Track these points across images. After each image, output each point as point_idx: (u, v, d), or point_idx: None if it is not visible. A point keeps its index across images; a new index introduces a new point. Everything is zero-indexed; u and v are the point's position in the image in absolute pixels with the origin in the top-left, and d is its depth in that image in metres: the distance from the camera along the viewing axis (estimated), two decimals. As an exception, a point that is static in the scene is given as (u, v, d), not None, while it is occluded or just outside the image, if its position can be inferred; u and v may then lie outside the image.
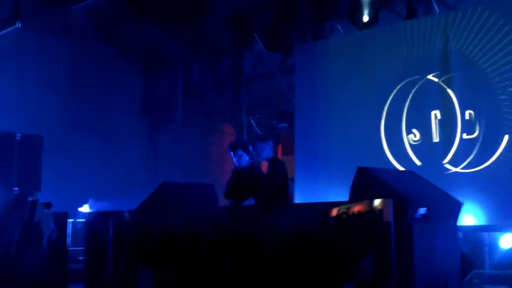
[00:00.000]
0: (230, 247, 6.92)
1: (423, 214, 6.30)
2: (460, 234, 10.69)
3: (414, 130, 11.89)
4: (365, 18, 12.98)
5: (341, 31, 13.93)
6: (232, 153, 8.47)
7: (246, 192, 8.25)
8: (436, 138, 11.61)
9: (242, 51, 16.69)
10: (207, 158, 18.07)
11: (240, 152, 8.44)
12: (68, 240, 9.68)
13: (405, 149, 11.92)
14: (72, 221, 12.83)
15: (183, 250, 7.33)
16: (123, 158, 17.73)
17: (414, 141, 11.86)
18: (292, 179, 12.91)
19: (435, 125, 11.64)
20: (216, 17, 15.86)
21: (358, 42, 13.10)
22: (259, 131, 16.38)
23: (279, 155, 18.05)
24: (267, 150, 8.25)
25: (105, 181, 16.61)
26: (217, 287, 6.92)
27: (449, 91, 11.50)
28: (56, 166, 14.89)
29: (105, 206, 12.90)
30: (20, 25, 14.33)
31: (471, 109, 11.22)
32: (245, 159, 8.45)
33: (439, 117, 11.62)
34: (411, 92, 12.01)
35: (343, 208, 6.07)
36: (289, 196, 8.19)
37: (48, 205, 9.26)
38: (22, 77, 16.02)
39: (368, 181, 6.60)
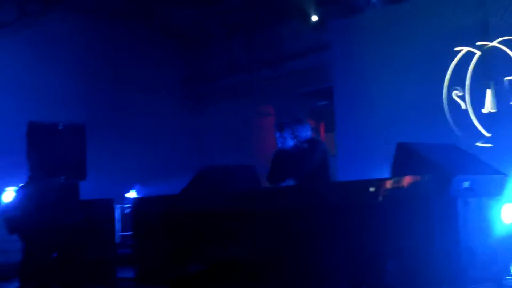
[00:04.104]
0: (275, 226, 6.98)
1: (467, 187, 6.25)
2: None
3: (455, 101, 11.77)
4: None
5: (377, 5, 13.79)
6: (278, 133, 8.35)
7: (292, 172, 8.13)
8: (479, 110, 11.47)
9: (280, 29, 16.66)
10: (248, 139, 18.12)
11: (287, 134, 8.34)
12: (117, 225, 9.86)
13: (446, 123, 11.82)
14: (120, 207, 13.03)
15: (229, 231, 7.40)
16: (166, 140, 17.88)
17: (456, 112, 11.74)
18: (334, 156, 12.86)
19: (478, 96, 11.50)
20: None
21: (395, 15, 12.96)
22: (299, 110, 16.35)
23: (322, 133, 18.04)
24: (304, 132, 8.23)
25: (150, 165, 16.77)
26: (262, 266, 6.98)
27: (490, 62, 11.34)
28: (101, 153, 15.03)
29: (152, 191, 13.07)
30: (56, 16, 14.44)
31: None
32: (290, 142, 8.35)
33: (481, 88, 11.48)
34: (451, 64, 11.87)
35: (384, 185, 6.06)
36: (329, 175, 8.16)
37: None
38: (61, 66, 16.18)
39: (409, 156, 6.58)
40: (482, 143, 11.23)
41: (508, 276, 6.50)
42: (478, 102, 11.53)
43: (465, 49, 11.70)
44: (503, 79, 11.20)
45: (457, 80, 11.80)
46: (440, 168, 6.13)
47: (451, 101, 11.89)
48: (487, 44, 11.40)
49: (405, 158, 6.58)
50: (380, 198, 6.02)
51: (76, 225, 8.84)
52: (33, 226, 8.66)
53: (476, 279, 6.14)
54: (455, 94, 11.85)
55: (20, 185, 9.11)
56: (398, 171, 6.48)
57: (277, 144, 8.39)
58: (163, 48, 18.84)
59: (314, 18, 14.94)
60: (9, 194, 11.68)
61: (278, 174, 8.14)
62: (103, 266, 8.88)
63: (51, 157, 9.19)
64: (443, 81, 11.96)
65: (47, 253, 8.82)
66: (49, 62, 16.01)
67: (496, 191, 6.68)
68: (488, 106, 11.37)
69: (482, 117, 11.46)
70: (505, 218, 6.59)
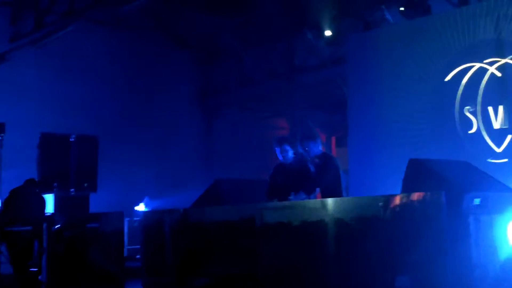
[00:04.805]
0: (285, 240, 6.95)
1: (478, 204, 6.22)
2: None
3: (467, 118, 11.74)
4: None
5: (391, 20, 13.81)
6: (278, 149, 8.41)
7: (292, 185, 8.16)
8: (490, 126, 11.44)
9: (294, 43, 16.67)
10: (262, 153, 18.10)
11: (286, 147, 8.39)
12: (125, 238, 9.85)
13: (458, 139, 11.78)
14: (129, 220, 13.01)
15: (240, 245, 7.38)
16: (179, 152, 17.85)
17: (468, 129, 11.71)
18: (346, 171, 12.85)
19: (489, 112, 11.47)
20: (268, 7, 15.81)
21: (410, 31, 12.97)
22: (311, 123, 16.33)
23: (333, 147, 18.02)
24: (316, 147, 8.23)
25: (161, 178, 16.76)
26: (273, 280, 6.96)
27: (502, 78, 11.31)
28: (112, 165, 15.07)
29: (160, 204, 13.06)
30: (73, 27, 14.49)
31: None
32: (290, 154, 8.40)
33: (492, 104, 11.44)
34: (463, 80, 11.85)
35: (396, 200, 6.04)
36: (341, 190, 8.16)
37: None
38: (75, 76, 16.21)
39: (420, 172, 6.56)
40: (494, 159, 11.18)
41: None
42: (489, 118, 11.50)
43: (477, 65, 11.68)
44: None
45: (469, 96, 11.78)
46: (451, 185, 6.11)
47: (463, 116, 11.86)
48: (500, 61, 11.38)
49: (417, 174, 6.55)
50: (392, 214, 5.99)
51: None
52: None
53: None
54: (467, 110, 11.82)
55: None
56: (409, 187, 6.46)
57: (278, 158, 8.45)
58: (178, 60, 18.86)
59: (328, 33, 14.95)
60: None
61: (277, 190, 8.17)
62: (112, 279, 8.85)
63: (62, 169, 9.22)
64: (455, 97, 11.94)
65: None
66: (64, 73, 16.07)
67: (507, 208, 6.63)
68: (500, 122, 11.33)
69: (493, 133, 11.42)
70: (510, 237, 6.55)
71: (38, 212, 9.52)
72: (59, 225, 8.94)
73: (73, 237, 8.99)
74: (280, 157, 8.41)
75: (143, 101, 17.67)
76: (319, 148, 8.29)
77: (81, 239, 8.81)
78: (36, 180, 9.39)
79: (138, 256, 9.45)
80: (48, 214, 9.50)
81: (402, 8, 13.03)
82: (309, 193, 7.97)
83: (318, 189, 8.06)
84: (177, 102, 18.58)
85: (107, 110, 16.71)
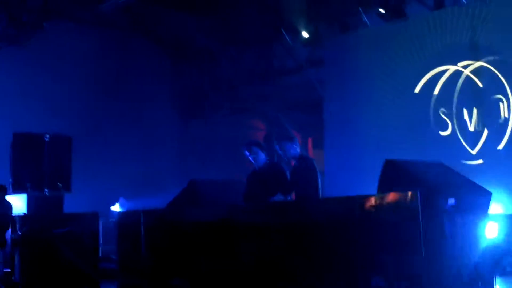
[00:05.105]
0: (261, 241, 6.94)
1: (453, 204, 6.26)
2: (496, 224, 10.66)
3: (442, 120, 11.82)
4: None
5: (368, 23, 13.86)
6: (247, 152, 8.39)
7: (270, 189, 8.17)
8: (465, 128, 11.53)
9: (271, 45, 16.66)
10: (238, 154, 18.04)
11: (255, 149, 8.36)
12: (100, 239, 9.77)
13: (433, 140, 11.86)
14: (103, 220, 12.92)
15: (215, 245, 7.36)
16: (154, 153, 17.76)
17: (443, 131, 11.79)
18: (322, 172, 12.88)
19: (464, 115, 11.56)
20: (245, 9, 15.79)
21: (387, 33, 13.07)
22: (287, 125, 16.35)
23: (310, 149, 18.02)
24: (294, 149, 8.23)
25: (137, 179, 16.65)
26: (247, 280, 6.94)
27: (477, 80, 11.41)
28: (87, 165, 14.95)
29: (136, 204, 12.97)
30: (48, 25, 14.35)
31: (498, 99, 11.11)
32: (261, 156, 8.37)
33: (467, 106, 11.54)
34: (439, 82, 11.94)
35: (371, 201, 6.05)
36: (318, 191, 8.16)
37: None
38: (50, 75, 16.04)
39: (396, 173, 6.57)
40: (468, 161, 11.27)
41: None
42: (464, 120, 11.59)
43: (453, 67, 11.77)
44: (489, 98, 11.26)
45: (445, 98, 11.87)
46: (426, 185, 6.13)
47: (438, 118, 11.95)
48: (475, 64, 11.47)
49: (392, 175, 6.57)
50: (367, 214, 6.00)
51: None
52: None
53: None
54: (442, 112, 11.91)
55: None
56: (385, 187, 6.47)
57: (250, 161, 8.44)
58: (155, 60, 18.77)
59: (305, 34, 14.95)
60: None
61: (253, 192, 8.17)
62: (87, 279, 8.79)
63: (35, 168, 9.14)
64: (431, 99, 12.02)
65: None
66: (39, 72, 15.90)
67: (481, 208, 6.69)
68: (475, 124, 11.43)
69: (468, 135, 11.52)
70: (488, 234, 6.61)
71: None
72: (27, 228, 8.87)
73: (47, 238, 8.90)
74: (252, 160, 8.39)
75: (119, 101, 17.53)
76: (297, 149, 8.29)
77: (55, 240, 8.72)
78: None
79: (113, 257, 9.39)
80: (20, 215, 9.39)
81: (382, 10, 13.05)
82: (287, 194, 7.97)
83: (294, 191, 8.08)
84: (154, 102, 18.49)
85: (82, 110, 16.57)
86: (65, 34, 16.28)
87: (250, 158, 8.39)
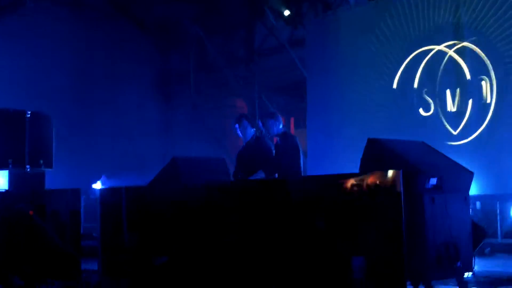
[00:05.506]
0: (242, 220, 6.94)
1: (434, 184, 6.29)
2: (478, 204, 10.75)
3: (425, 100, 11.85)
4: None
5: (351, 3, 13.83)
6: (237, 125, 8.41)
7: (254, 165, 8.20)
8: (447, 108, 11.57)
9: (254, 26, 16.61)
10: (221, 133, 18.08)
11: (245, 123, 8.40)
12: (82, 217, 9.73)
13: (416, 120, 11.90)
14: (85, 197, 12.88)
15: (196, 223, 7.36)
16: (136, 133, 17.77)
17: (425, 111, 11.82)
18: (305, 153, 12.90)
19: (447, 95, 11.59)
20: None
21: (369, 14, 13.04)
22: (270, 106, 16.34)
23: (292, 129, 18.03)
24: (276, 126, 8.24)
25: (119, 157, 16.65)
26: (229, 259, 6.95)
27: (460, 61, 11.43)
28: (69, 143, 14.90)
29: (118, 182, 12.94)
30: (32, 4, 14.24)
31: (481, 80, 11.15)
32: (250, 131, 8.40)
33: (450, 87, 11.56)
34: (422, 62, 11.95)
35: (353, 180, 6.05)
36: (301, 169, 8.18)
37: None
38: (33, 54, 15.96)
39: (378, 152, 6.60)
40: (450, 142, 11.32)
41: (470, 272, 6.55)
42: (446, 101, 11.62)
43: (436, 47, 11.77)
44: (472, 79, 11.30)
45: (428, 79, 11.89)
46: (408, 165, 6.16)
47: (421, 99, 11.97)
48: (458, 44, 11.48)
49: (375, 154, 6.59)
50: (349, 193, 6.01)
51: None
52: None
53: (440, 274, 6.18)
54: (425, 92, 11.93)
55: None
56: (367, 166, 6.49)
57: (237, 135, 8.47)
58: (138, 44, 18.76)
59: (286, 12, 14.87)
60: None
61: (244, 169, 8.19)
62: (67, 257, 8.74)
63: (17, 145, 9.06)
64: (414, 79, 12.03)
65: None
66: (22, 51, 15.82)
67: (462, 188, 6.73)
68: (457, 105, 11.47)
69: (450, 116, 11.56)
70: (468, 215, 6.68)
71: None
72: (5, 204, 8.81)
73: (25, 214, 8.83)
74: (240, 134, 8.42)
75: (103, 83, 17.54)
76: (279, 127, 8.30)
77: (35, 216, 8.66)
78: None
79: (95, 234, 9.35)
80: (1, 191, 9.33)
81: None
82: (269, 173, 7.99)
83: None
84: (137, 85, 18.46)
85: (65, 89, 16.54)
86: (48, 15, 16.23)
87: (238, 131, 8.42)
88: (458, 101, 11.46)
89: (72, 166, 14.46)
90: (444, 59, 11.68)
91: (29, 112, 9.33)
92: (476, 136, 11.12)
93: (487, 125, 11.03)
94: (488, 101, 11.06)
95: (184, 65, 18.74)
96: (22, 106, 10.72)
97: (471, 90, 11.29)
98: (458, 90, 11.48)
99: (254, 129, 8.42)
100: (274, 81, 17.35)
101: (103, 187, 14.22)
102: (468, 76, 11.32)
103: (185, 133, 18.62)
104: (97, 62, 17.52)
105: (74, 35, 17.05)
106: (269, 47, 16.81)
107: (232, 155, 15.48)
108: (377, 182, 5.90)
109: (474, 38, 11.26)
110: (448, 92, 11.60)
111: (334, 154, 12.79)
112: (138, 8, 18.00)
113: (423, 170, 6.22)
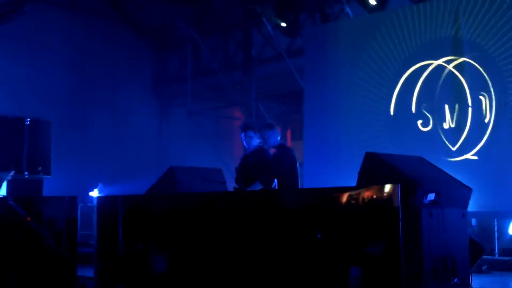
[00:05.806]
0: (239, 230, 6.95)
1: (432, 199, 6.31)
2: (474, 220, 10.75)
3: (424, 115, 11.84)
4: (372, 2, 12.93)
5: (350, 14, 13.86)
6: (243, 134, 8.45)
7: (252, 175, 8.22)
8: (446, 124, 11.56)
9: (251, 34, 16.63)
10: (216, 138, 18.11)
11: (251, 133, 8.44)
12: (78, 224, 9.74)
13: (415, 134, 11.89)
14: (82, 205, 12.89)
15: (193, 232, 7.37)
16: (132, 139, 17.77)
17: (424, 126, 11.82)
18: (301, 164, 12.91)
19: (445, 111, 11.60)
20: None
21: (368, 25, 13.02)
22: (266, 114, 16.35)
23: (289, 140, 18.06)
24: (273, 137, 8.27)
25: (116, 164, 16.66)
26: (226, 269, 6.96)
27: (460, 76, 11.44)
28: (67, 149, 14.92)
29: (115, 190, 12.96)
30: (28, 9, 14.23)
31: (481, 95, 11.16)
32: (255, 141, 8.43)
33: (449, 102, 11.57)
34: (421, 77, 11.95)
35: (351, 193, 6.07)
36: (297, 181, 8.20)
37: None
38: (30, 57, 15.96)
39: (376, 166, 6.61)
40: (448, 157, 11.32)
41: (467, 287, 6.55)
42: (445, 116, 11.62)
43: (435, 62, 11.78)
44: (472, 94, 11.30)
45: (427, 94, 11.88)
46: (406, 179, 6.17)
47: (420, 113, 11.97)
48: (457, 59, 11.49)
49: (373, 168, 6.60)
50: (346, 206, 6.03)
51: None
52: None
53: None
54: (424, 107, 11.93)
55: None
56: (365, 180, 6.50)
57: (243, 144, 8.50)
58: (134, 47, 18.77)
59: (283, 24, 14.88)
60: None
61: (244, 178, 8.21)
62: (64, 264, 8.74)
63: (15, 152, 9.08)
64: (413, 94, 12.03)
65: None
66: (19, 55, 15.82)
67: (460, 204, 6.75)
68: (456, 120, 11.47)
69: (449, 131, 11.55)
70: (466, 231, 6.69)
71: None
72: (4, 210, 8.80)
73: (24, 220, 8.84)
74: (245, 143, 8.46)
75: (99, 87, 17.55)
76: (277, 138, 8.32)
77: (33, 223, 8.67)
78: None
79: (91, 242, 9.35)
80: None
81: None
82: (267, 184, 8.00)
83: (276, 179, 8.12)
84: (133, 89, 18.49)
85: (62, 94, 16.55)
86: (44, 18, 16.24)
87: (243, 141, 8.45)
88: (457, 116, 11.45)
89: (69, 173, 14.47)
90: (443, 74, 11.67)
91: (28, 119, 9.36)
92: (475, 153, 11.11)
93: (486, 141, 11.02)
94: (487, 117, 11.06)
95: (181, 71, 18.76)
96: (19, 108, 10.78)
97: (470, 106, 11.30)
98: (457, 105, 11.48)
99: (259, 140, 8.43)
100: (271, 89, 17.37)
101: (100, 195, 14.24)
102: (467, 92, 11.32)
103: (181, 139, 18.65)
104: (94, 66, 17.52)
105: (72, 40, 17.10)
106: (266, 56, 16.82)
107: (227, 161, 15.52)
108: (375, 196, 5.92)
109: (474, 53, 11.25)
110: (446, 107, 11.60)
111: (331, 165, 12.78)
112: (135, 10, 18.03)
113: (420, 185, 6.23)
